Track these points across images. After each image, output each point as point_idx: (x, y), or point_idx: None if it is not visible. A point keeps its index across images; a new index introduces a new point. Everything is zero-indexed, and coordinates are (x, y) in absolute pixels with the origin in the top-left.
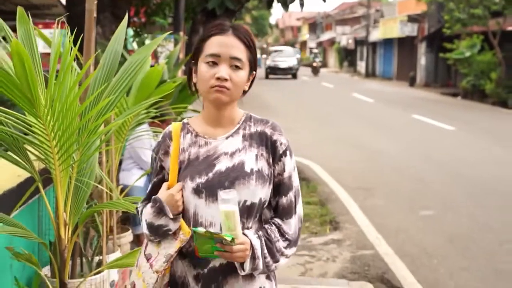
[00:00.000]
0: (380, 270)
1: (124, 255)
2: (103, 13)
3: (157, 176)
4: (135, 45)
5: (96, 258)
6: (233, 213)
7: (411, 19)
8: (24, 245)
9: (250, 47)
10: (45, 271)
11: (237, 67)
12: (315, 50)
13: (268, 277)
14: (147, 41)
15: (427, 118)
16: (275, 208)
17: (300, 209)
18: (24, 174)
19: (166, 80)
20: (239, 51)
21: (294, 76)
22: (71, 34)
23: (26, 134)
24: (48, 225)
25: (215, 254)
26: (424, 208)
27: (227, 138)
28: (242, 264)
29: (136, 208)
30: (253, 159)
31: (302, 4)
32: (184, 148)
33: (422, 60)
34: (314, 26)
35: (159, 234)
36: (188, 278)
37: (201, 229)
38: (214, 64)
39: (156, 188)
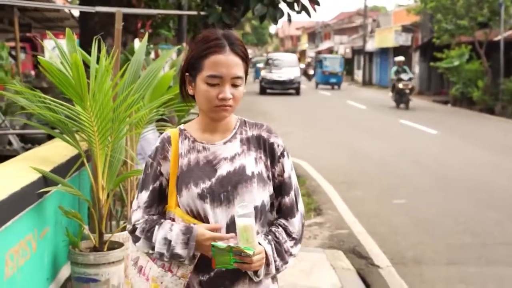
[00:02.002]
0: (353, 244)
1: None
2: (114, 26)
3: (155, 182)
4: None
5: (121, 222)
6: (251, 226)
7: (405, 29)
8: (70, 206)
9: (246, 59)
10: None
11: (238, 85)
12: (309, 60)
13: (272, 279)
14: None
15: (413, 123)
16: (278, 209)
17: (301, 206)
18: (69, 154)
19: (171, 86)
20: (239, 69)
21: (297, 91)
22: (81, 43)
23: (75, 121)
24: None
25: (234, 266)
26: (397, 197)
27: (225, 143)
28: (255, 271)
29: (131, 216)
30: (252, 163)
31: (289, 20)
32: (182, 153)
33: (416, 68)
34: (313, 35)
35: (171, 258)
36: (193, 284)
37: (221, 244)
38: (216, 84)
39: (156, 194)
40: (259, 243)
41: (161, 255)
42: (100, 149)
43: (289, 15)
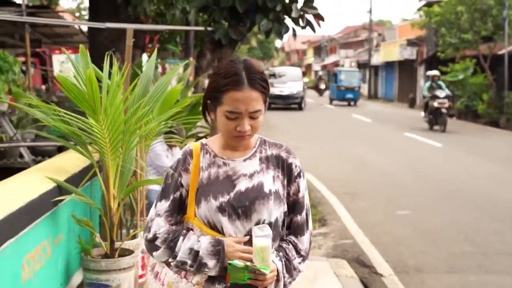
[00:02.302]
0: (356, 254)
1: None
2: (123, 41)
3: (176, 193)
4: None
5: (131, 231)
6: (268, 247)
7: (410, 43)
8: (82, 215)
9: (265, 89)
10: None
11: (257, 117)
12: (320, 73)
13: None
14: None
15: (417, 136)
16: (289, 225)
17: (310, 224)
18: (81, 165)
19: (178, 99)
20: (257, 103)
21: (299, 106)
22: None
23: (88, 133)
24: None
25: (248, 282)
26: (401, 208)
27: (244, 160)
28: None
29: (149, 225)
30: (270, 181)
31: (294, 35)
32: (203, 166)
33: (421, 82)
34: (319, 49)
35: (197, 270)
36: None
37: (239, 263)
38: (235, 118)
39: (176, 204)
40: (272, 260)
41: (183, 263)
42: (111, 159)
43: (294, 30)
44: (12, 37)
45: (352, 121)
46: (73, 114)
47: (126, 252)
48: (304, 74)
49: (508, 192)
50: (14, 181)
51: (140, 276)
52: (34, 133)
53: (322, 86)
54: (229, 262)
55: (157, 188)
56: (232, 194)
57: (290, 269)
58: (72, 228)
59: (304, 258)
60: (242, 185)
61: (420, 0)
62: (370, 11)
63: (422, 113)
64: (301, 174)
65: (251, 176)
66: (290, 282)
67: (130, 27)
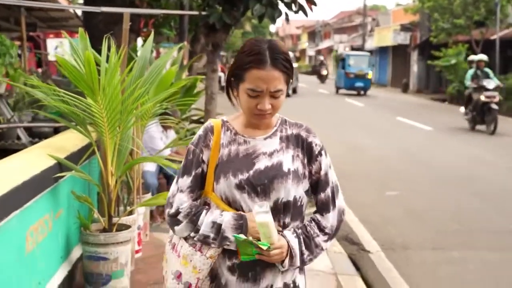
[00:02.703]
0: (346, 232)
1: (152, 198)
2: (117, 25)
3: (198, 169)
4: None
5: (127, 207)
6: (267, 223)
7: (404, 28)
8: (81, 191)
9: (288, 70)
10: None
11: (278, 96)
12: (321, 58)
13: (300, 270)
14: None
15: (409, 120)
16: (316, 204)
17: (340, 202)
18: (80, 144)
19: (173, 82)
20: (279, 82)
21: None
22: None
23: (87, 113)
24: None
25: (256, 257)
26: (390, 189)
27: (265, 139)
28: (282, 261)
29: (170, 200)
30: (290, 160)
31: (287, 19)
32: (223, 143)
33: (415, 67)
34: (313, 34)
35: (219, 243)
36: (221, 269)
37: (241, 236)
38: (256, 96)
39: (198, 179)
40: (285, 235)
41: (206, 237)
42: (109, 138)
43: (287, 15)
44: (7, 21)
45: (345, 106)
46: (72, 94)
47: (123, 227)
48: (298, 59)
49: (492, 174)
50: (18, 158)
51: (136, 252)
52: (31, 116)
53: (324, 72)
54: (234, 236)
55: (152, 169)
56: (251, 172)
57: (310, 246)
58: (72, 204)
59: (329, 235)
60: (262, 163)
61: None
62: None
63: (462, 109)
64: (322, 152)
65: (270, 154)
66: (310, 259)
67: (125, 11)
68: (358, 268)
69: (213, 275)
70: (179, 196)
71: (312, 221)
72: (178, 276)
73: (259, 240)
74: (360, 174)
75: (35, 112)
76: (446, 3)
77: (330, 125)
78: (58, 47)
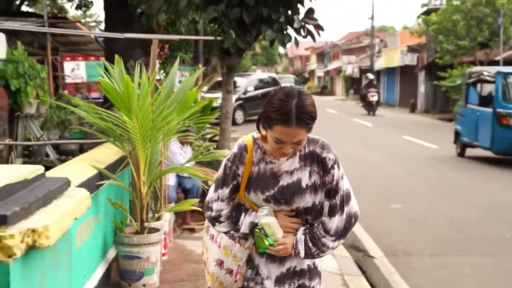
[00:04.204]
0: (352, 241)
1: (177, 205)
2: (135, 49)
3: (234, 181)
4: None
5: (156, 214)
6: (269, 223)
7: (411, 49)
8: (116, 199)
9: (311, 124)
10: None
11: (300, 143)
12: (371, 76)
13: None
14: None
15: (415, 139)
16: (328, 208)
17: (349, 208)
18: (114, 157)
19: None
20: (301, 135)
21: None
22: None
23: (122, 129)
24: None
25: (267, 251)
26: (394, 202)
27: (287, 159)
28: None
29: (210, 205)
30: (307, 176)
31: (297, 44)
32: (255, 161)
33: (422, 88)
34: (322, 55)
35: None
36: (254, 254)
37: (256, 229)
38: (281, 143)
39: (234, 189)
40: (295, 233)
41: (246, 235)
42: (142, 151)
43: (296, 39)
44: (31, 46)
45: (353, 125)
46: (110, 112)
47: (153, 231)
48: (307, 79)
49: (490, 185)
50: (65, 168)
51: (163, 255)
52: (58, 135)
53: (374, 97)
54: (253, 229)
55: (172, 184)
56: (276, 188)
57: (316, 244)
58: (108, 210)
59: (334, 236)
60: (285, 180)
61: (422, 6)
62: (372, 18)
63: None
64: (335, 165)
65: (291, 173)
66: (317, 254)
67: (147, 37)
68: (363, 272)
69: (248, 258)
70: (219, 204)
71: (320, 224)
72: (220, 263)
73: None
74: (366, 189)
75: (80, 128)
76: (450, 25)
77: (339, 143)
78: (74, 69)
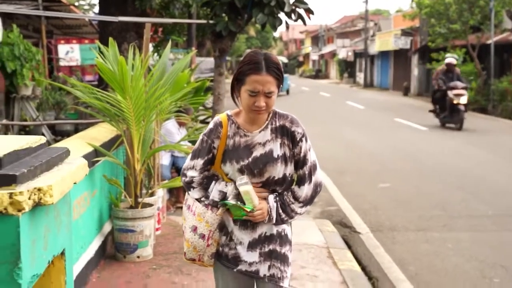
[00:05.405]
0: (340, 217)
1: (169, 181)
2: (129, 32)
3: (209, 154)
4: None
5: (149, 190)
6: (248, 191)
7: (404, 33)
8: (111, 175)
9: (279, 77)
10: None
11: (271, 96)
12: (453, 60)
13: (287, 224)
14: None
15: (406, 121)
16: (296, 178)
17: (316, 178)
18: (109, 135)
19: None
20: (272, 85)
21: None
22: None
23: (117, 108)
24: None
25: (244, 218)
26: (383, 182)
27: (260, 132)
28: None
29: (185, 172)
30: (278, 147)
31: (287, 27)
32: (229, 135)
33: (415, 71)
34: (317, 38)
35: (223, 204)
36: (228, 221)
37: (230, 202)
38: (254, 95)
39: (208, 161)
40: (267, 201)
41: (214, 201)
42: (135, 130)
43: (286, 23)
44: (26, 28)
45: (346, 108)
46: (105, 92)
47: (147, 206)
48: (302, 63)
49: (477, 167)
50: (63, 145)
51: (156, 229)
52: (54, 116)
53: (463, 100)
54: (225, 202)
55: (166, 163)
56: (250, 159)
57: (286, 210)
58: (103, 186)
59: (302, 203)
60: (258, 151)
61: None
62: (366, 1)
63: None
64: (303, 138)
65: (264, 144)
66: (286, 220)
67: (141, 20)
68: (349, 246)
69: (221, 226)
70: (193, 171)
71: (290, 192)
72: (194, 229)
73: (244, 204)
74: (356, 169)
75: (81, 109)
76: (443, 9)
77: (331, 126)
78: (69, 52)
